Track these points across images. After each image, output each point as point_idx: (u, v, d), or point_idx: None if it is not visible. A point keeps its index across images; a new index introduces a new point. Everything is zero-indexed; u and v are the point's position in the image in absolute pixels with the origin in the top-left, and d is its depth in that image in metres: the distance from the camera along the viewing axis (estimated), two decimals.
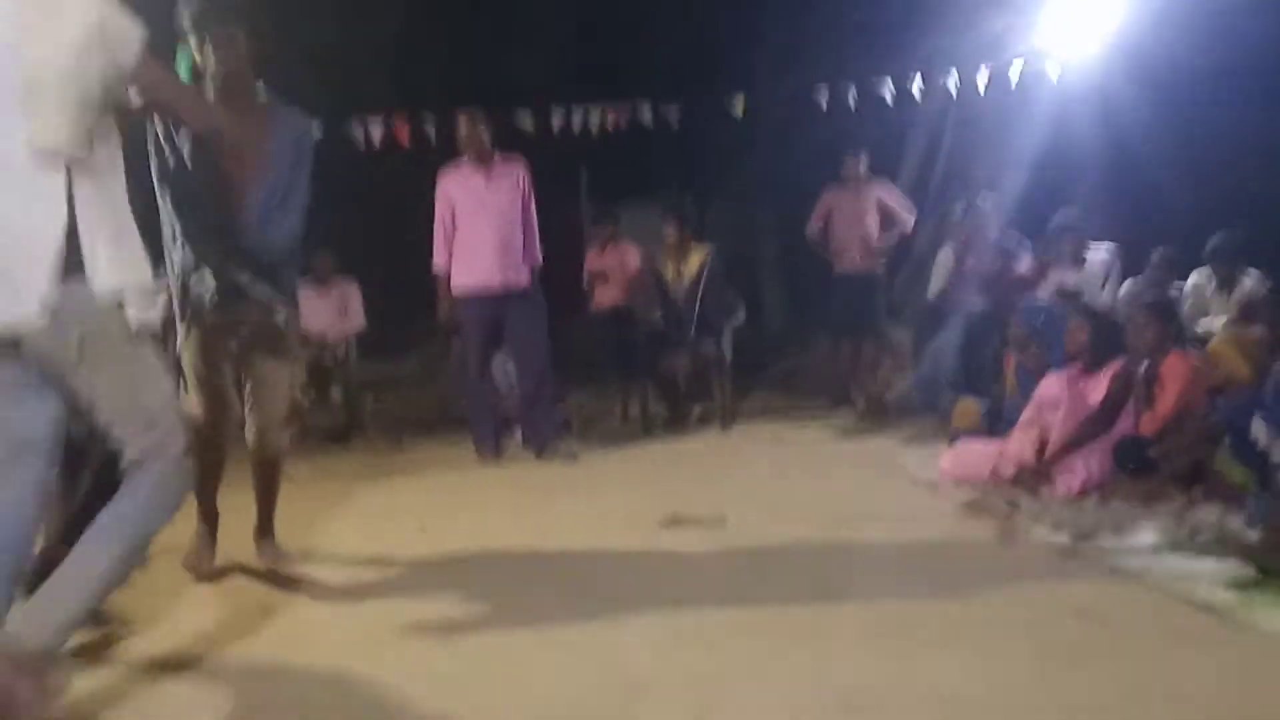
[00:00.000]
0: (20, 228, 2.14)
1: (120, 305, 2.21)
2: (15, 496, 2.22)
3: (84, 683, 2.54)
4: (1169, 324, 4.51)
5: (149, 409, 2.24)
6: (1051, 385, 4.65)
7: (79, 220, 2.17)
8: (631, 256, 7.48)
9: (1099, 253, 6.31)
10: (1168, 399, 4.31)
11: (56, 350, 2.17)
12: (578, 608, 3.11)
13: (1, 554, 2.21)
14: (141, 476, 2.23)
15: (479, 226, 5.69)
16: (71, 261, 2.14)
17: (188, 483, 2.34)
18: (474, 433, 5.95)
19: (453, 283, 5.76)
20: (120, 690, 2.58)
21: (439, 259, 5.78)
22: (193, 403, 3.38)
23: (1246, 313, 5.12)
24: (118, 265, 2.20)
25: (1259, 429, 3.79)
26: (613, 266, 7.53)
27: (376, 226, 9.11)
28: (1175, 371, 4.34)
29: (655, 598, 3.19)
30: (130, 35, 2.27)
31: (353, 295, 7.07)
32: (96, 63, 2.20)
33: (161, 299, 2.30)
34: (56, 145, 2.16)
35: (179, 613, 3.24)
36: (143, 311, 2.24)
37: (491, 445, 5.85)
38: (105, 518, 2.21)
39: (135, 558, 2.28)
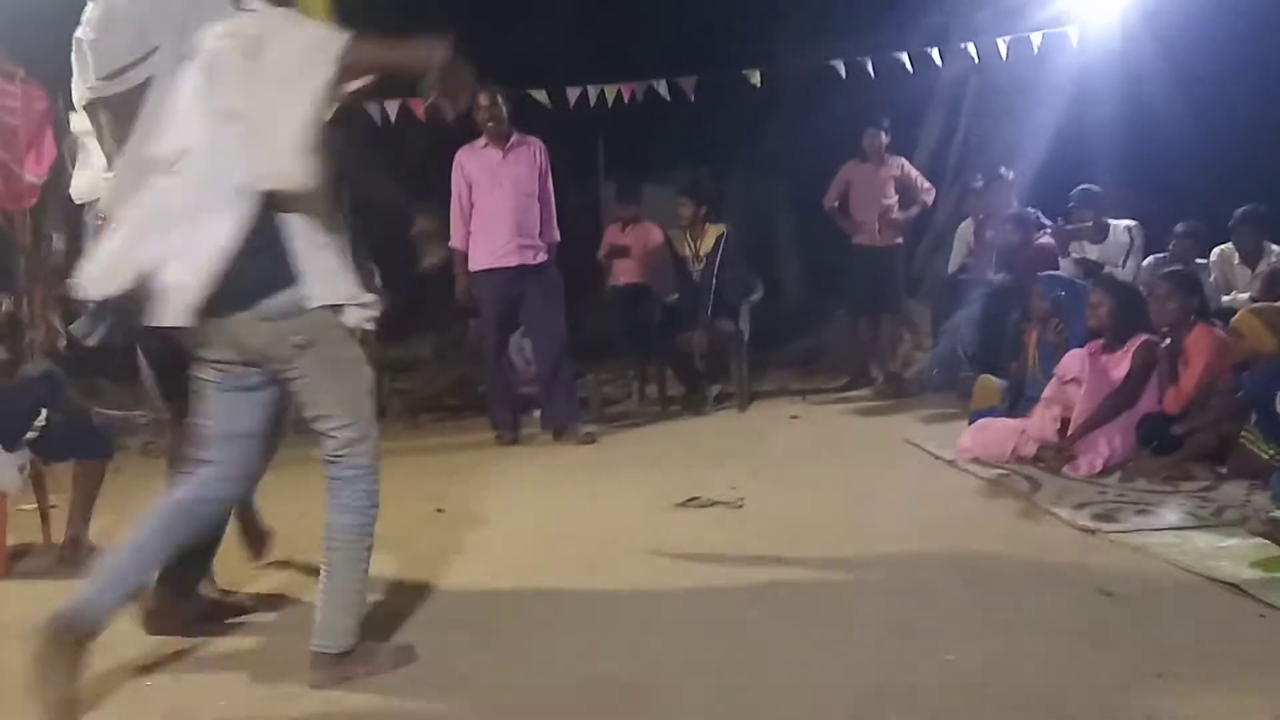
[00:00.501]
0: (199, 248, 2.31)
1: (335, 313, 2.42)
2: (221, 472, 2.56)
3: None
4: (1192, 297, 4.44)
5: (349, 407, 2.51)
6: (1073, 361, 4.59)
7: (291, 239, 2.37)
8: (654, 235, 7.44)
9: (1120, 228, 6.23)
10: (1192, 374, 4.26)
11: (275, 352, 2.42)
12: (594, 590, 3.11)
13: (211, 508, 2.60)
14: (340, 487, 2.55)
15: (496, 204, 5.67)
16: (284, 276, 2.36)
17: (376, 473, 2.59)
18: (492, 414, 5.95)
19: (470, 261, 5.75)
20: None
21: (456, 237, 5.76)
22: None
23: (1270, 286, 5.04)
24: (330, 278, 2.41)
25: None
26: (635, 245, 7.49)
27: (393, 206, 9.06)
28: (1200, 345, 4.28)
29: (672, 579, 3.19)
30: (333, 47, 2.28)
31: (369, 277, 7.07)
32: (318, 97, 2.29)
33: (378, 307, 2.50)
34: (289, 183, 2.31)
35: None
36: (358, 319, 2.47)
37: (509, 426, 5.85)
38: (333, 533, 2.54)
39: (368, 547, 2.58)
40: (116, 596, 2.42)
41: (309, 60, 2.28)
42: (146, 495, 4.64)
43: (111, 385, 6.80)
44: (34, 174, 5.53)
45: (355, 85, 2.41)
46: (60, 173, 5.55)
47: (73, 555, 3.59)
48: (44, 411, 3.64)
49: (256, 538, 3.50)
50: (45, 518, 3.91)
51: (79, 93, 2.76)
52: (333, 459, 2.53)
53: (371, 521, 2.56)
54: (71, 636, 2.30)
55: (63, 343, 5.42)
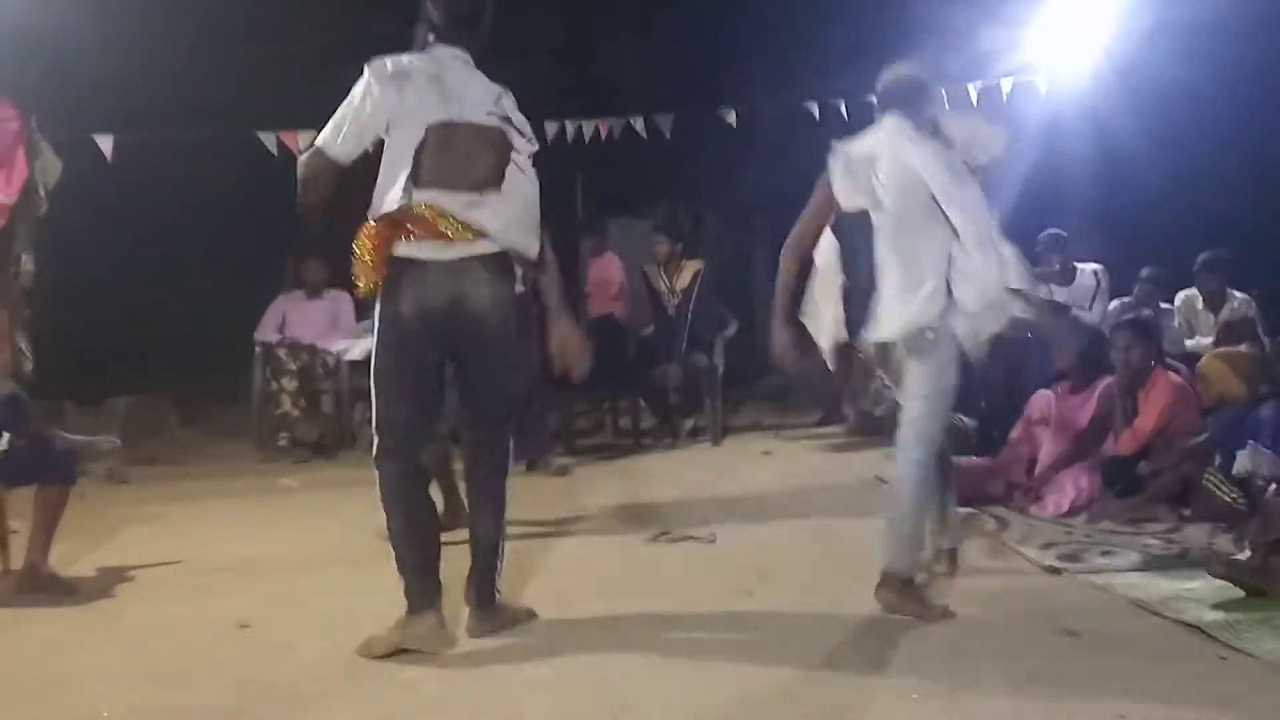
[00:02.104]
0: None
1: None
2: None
3: None
4: (1151, 342, 4.51)
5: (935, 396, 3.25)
6: (1040, 402, 4.65)
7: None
8: (611, 267, 7.49)
9: (1086, 271, 6.33)
10: (1148, 417, 4.32)
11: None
12: (564, 625, 3.09)
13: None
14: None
15: None
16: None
17: None
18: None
19: None
20: None
21: None
22: None
23: (1227, 335, 5.12)
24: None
25: (1244, 460, 3.76)
26: (596, 278, 7.53)
27: None
28: (1158, 389, 4.35)
29: (643, 615, 3.18)
30: None
31: (344, 305, 7.03)
32: None
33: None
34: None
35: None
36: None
37: None
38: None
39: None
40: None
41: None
42: (110, 521, 4.60)
43: (76, 409, 6.73)
44: (4, 195, 5.48)
45: None
46: (30, 194, 5.50)
47: (30, 582, 3.53)
48: (6, 436, 3.58)
49: (453, 511, 3.89)
50: (4, 544, 3.82)
51: None
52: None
53: None
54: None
55: (28, 365, 5.35)
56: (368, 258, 2.93)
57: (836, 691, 2.51)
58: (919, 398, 3.23)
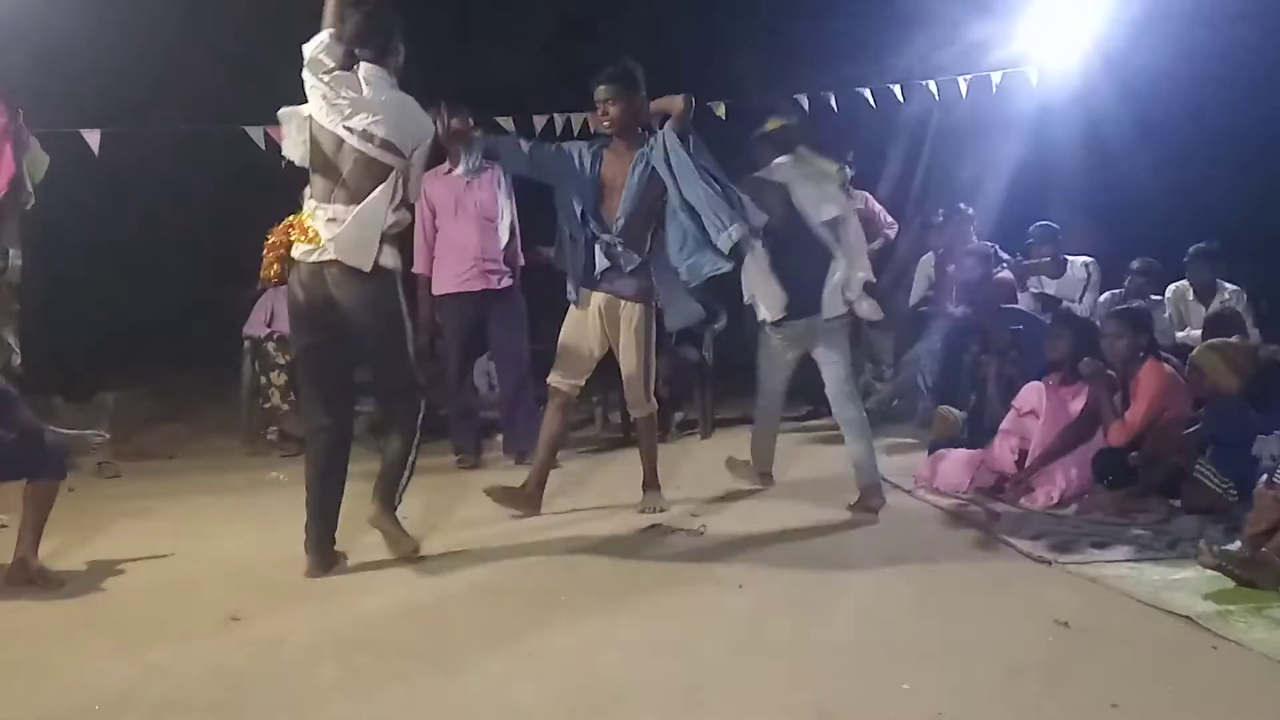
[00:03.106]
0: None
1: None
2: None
3: None
4: (1141, 334, 4.51)
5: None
6: (1031, 394, 4.66)
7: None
8: None
9: (1077, 264, 6.34)
10: (1138, 409, 4.32)
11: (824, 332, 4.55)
12: (553, 615, 3.10)
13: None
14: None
15: (459, 228, 5.66)
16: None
17: None
18: (454, 437, 5.90)
19: (433, 285, 5.73)
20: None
21: (419, 261, 5.74)
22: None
23: (1214, 327, 5.12)
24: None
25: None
26: None
27: None
28: (1148, 381, 4.35)
29: (632, 606, 3.18)
30: None
31: None
32: None
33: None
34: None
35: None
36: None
37: (472, 450, 5.81)
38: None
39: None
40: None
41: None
42: (100, 516, 4.58)
43: (64, 404, 6.69)
44: None
45: None
46: (18, 188, 5.46)
47: (20, 576, 3.51)
48: None
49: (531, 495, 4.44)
50: None
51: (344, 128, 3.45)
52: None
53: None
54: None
55: (17, 360, 5.32)
56: (267, 252, 3.56)
57: (827, 682, 2.51)
58: (844, 361, 4.49)
